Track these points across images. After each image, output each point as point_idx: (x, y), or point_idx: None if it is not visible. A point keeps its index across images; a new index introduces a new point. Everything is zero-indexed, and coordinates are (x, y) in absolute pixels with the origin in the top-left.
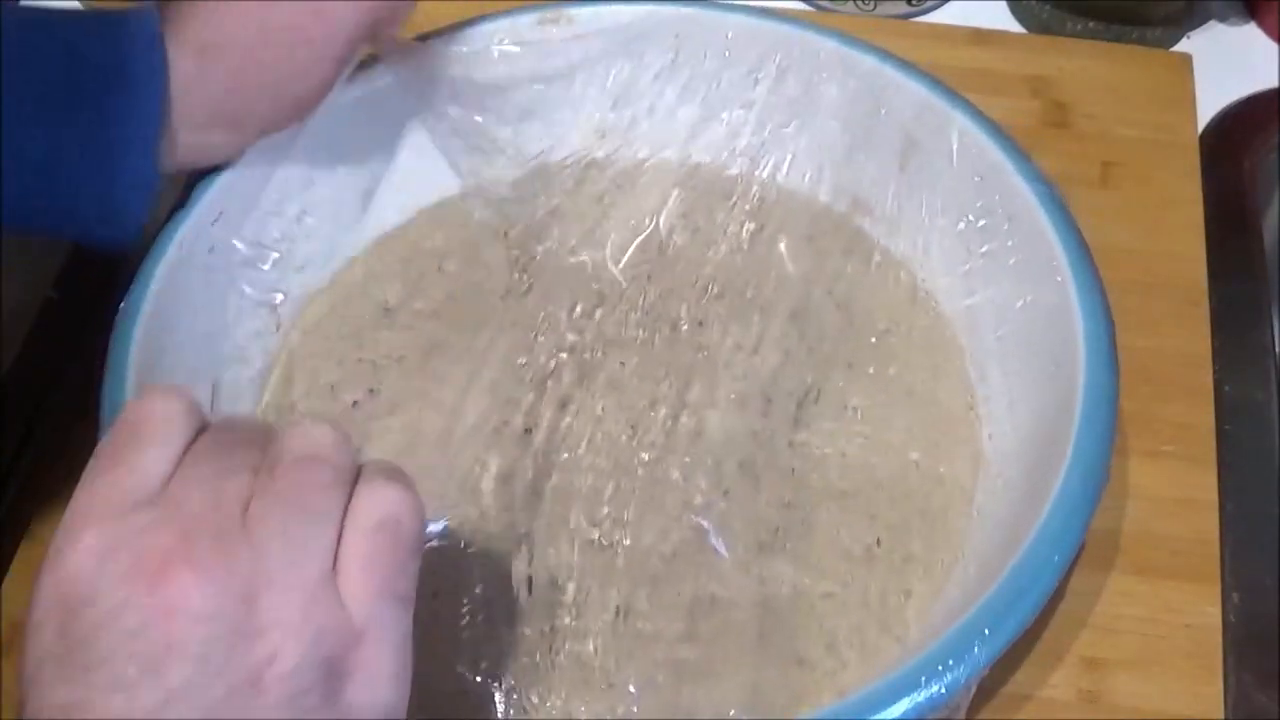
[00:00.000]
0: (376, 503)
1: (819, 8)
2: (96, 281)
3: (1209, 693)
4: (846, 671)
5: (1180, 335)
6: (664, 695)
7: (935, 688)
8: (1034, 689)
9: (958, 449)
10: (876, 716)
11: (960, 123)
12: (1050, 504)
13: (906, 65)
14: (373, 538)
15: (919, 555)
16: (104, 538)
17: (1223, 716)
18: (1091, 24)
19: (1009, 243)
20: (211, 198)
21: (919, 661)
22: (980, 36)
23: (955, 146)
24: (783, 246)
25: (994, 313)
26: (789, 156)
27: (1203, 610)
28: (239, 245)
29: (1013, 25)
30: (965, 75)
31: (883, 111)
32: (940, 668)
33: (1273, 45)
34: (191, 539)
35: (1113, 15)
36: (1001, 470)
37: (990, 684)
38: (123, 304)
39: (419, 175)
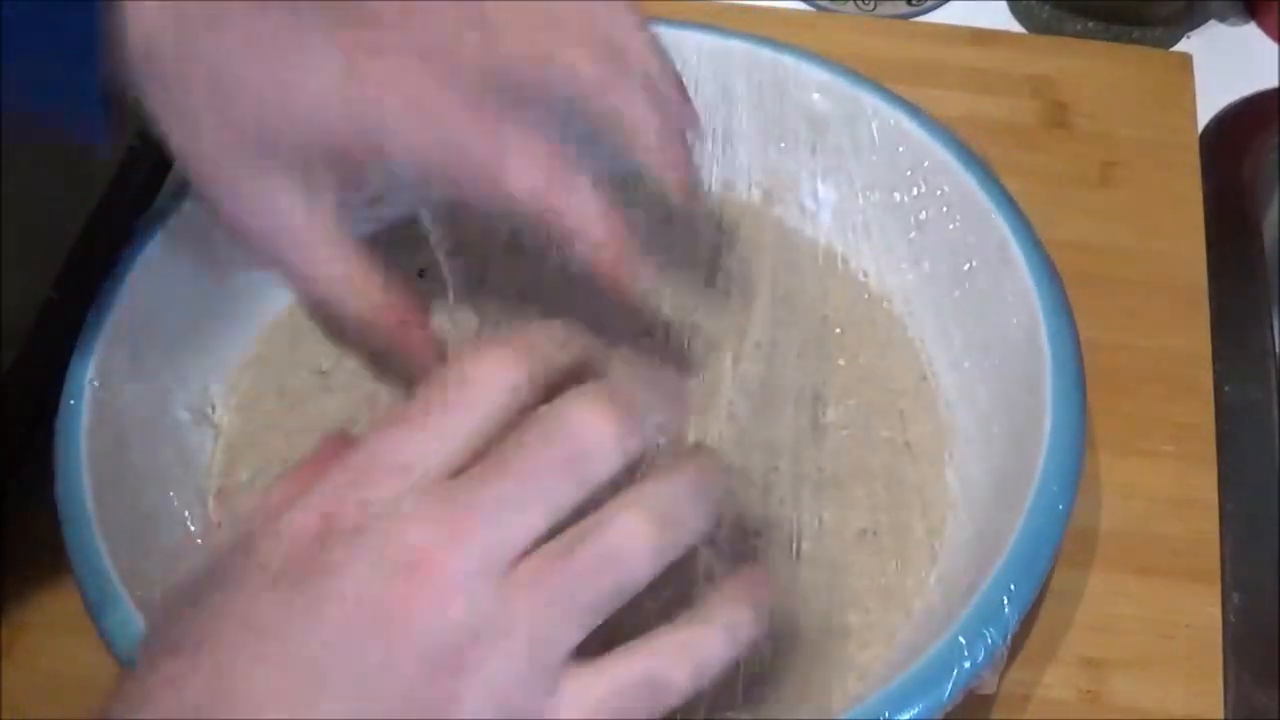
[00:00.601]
0: (668, 662)
1: (819, 8)
2: (96, 281)
3: (1209, 692)
4: (864, 652)
5: (1180, 335)
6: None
7: (978, 654)
8: (1034, 689)
9: (921, 420)
10: (931, 691)
11: (872, 103)
12: (1044, 453)
13: (806, 54)
14: (635, 686)
15: (907, 529)
16: (383, 491)
17: (1223, 716)
18: (1091, 24)
19: (944, 208)
20: (122, 302)
21: (955, 631)
22: (980, 36)
23: (872, 126)
24: (723, 256)
25: (945, 278)
26: (713, 163)
27: (1203, 610)
28: (160, 340)
29: (1013, 25)
30: (965, 75)
31: (791, 103)
32: (976, 633)
33: (1273, 45)
34: (448, 556)
35: (1113, 15)
36: (969, 433)
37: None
38: (61, 459)
39: None
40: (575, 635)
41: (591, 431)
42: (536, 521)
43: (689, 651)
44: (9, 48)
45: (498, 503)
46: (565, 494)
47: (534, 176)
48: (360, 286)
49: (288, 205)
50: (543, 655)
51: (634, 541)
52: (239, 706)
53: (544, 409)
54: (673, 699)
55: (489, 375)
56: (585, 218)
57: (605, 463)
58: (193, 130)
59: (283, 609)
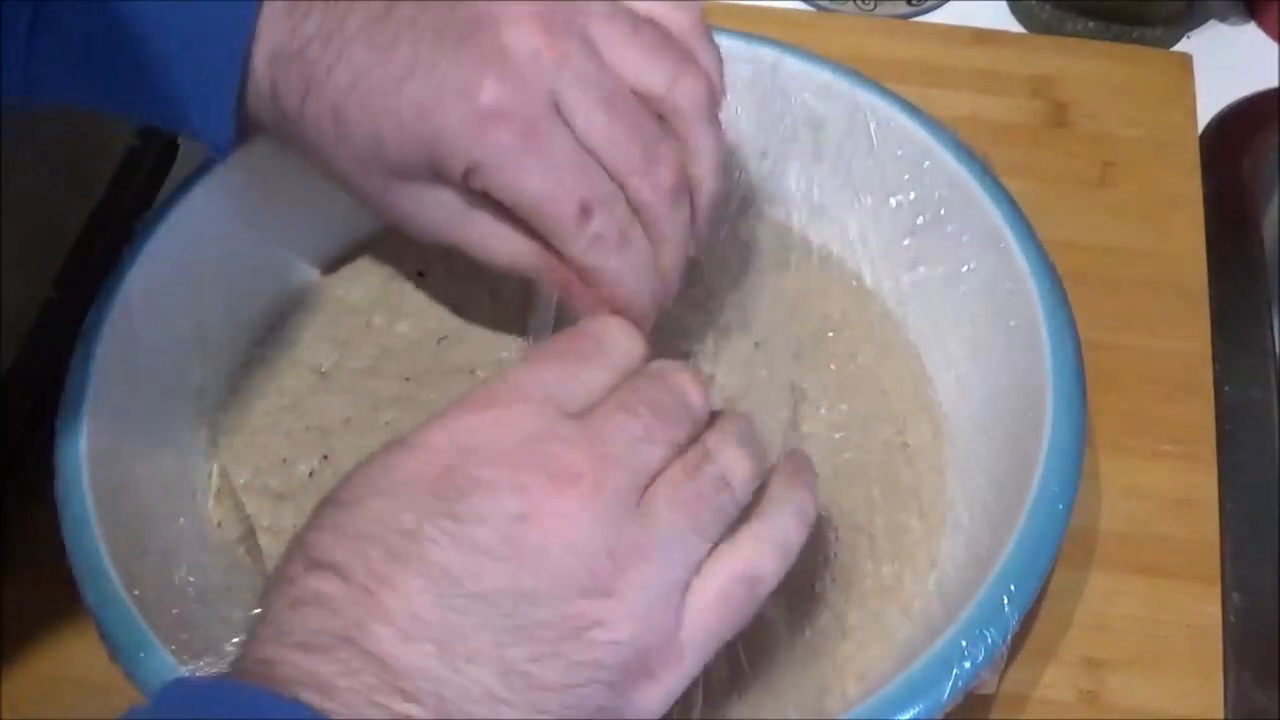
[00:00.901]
0: (757, 554)
1: (819, 8)
2: (96, 281)
3: (1209, 692)
4: (865, 653)
5: (1180, 335)
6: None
7: (978, 654)
8: (1034, 689)
9: (920, 420)
10: (931, 692)
11: (871, 103)
12: (1044, 453)
13: (806, 54)
14: (735, 584)
15: (907, 529)
16: (532, 418)
17: (1223, 716)
18: (1091, 24)
19: (942, 210)
20: (122, 302)
21: (955, 632)
22: (980, 36)
23: (871, 127)
24: (717, 255)
25: (944, 278)
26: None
27: (1203, 610)
28: (160, 340)
29: (1013, 25)
30: (965, 75)
31: (790, 103)
32: (976, 633)
33: (1273, 45)
34: (601, 478)
35: (1113, 15)
36: (969, 433)
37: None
38: (59, 453)
39: (322, 228)
40: (701, 554)
41: (690, 388)
42: (664, 455)
43: (772, 541)
44: (154, 62)
45: (636, 437)
46: (681, 434)
47: (605, 240)
48: (524, 255)
49: (425, 209)
50: (676, 575)
51: (738, 470)
52: (388, 631)
53: (648, 368)
54: (768, 589)
55: (622, 341)
56: (620, 289)
57: (702, 413)
58: (323, 154)
59: (433, 527)
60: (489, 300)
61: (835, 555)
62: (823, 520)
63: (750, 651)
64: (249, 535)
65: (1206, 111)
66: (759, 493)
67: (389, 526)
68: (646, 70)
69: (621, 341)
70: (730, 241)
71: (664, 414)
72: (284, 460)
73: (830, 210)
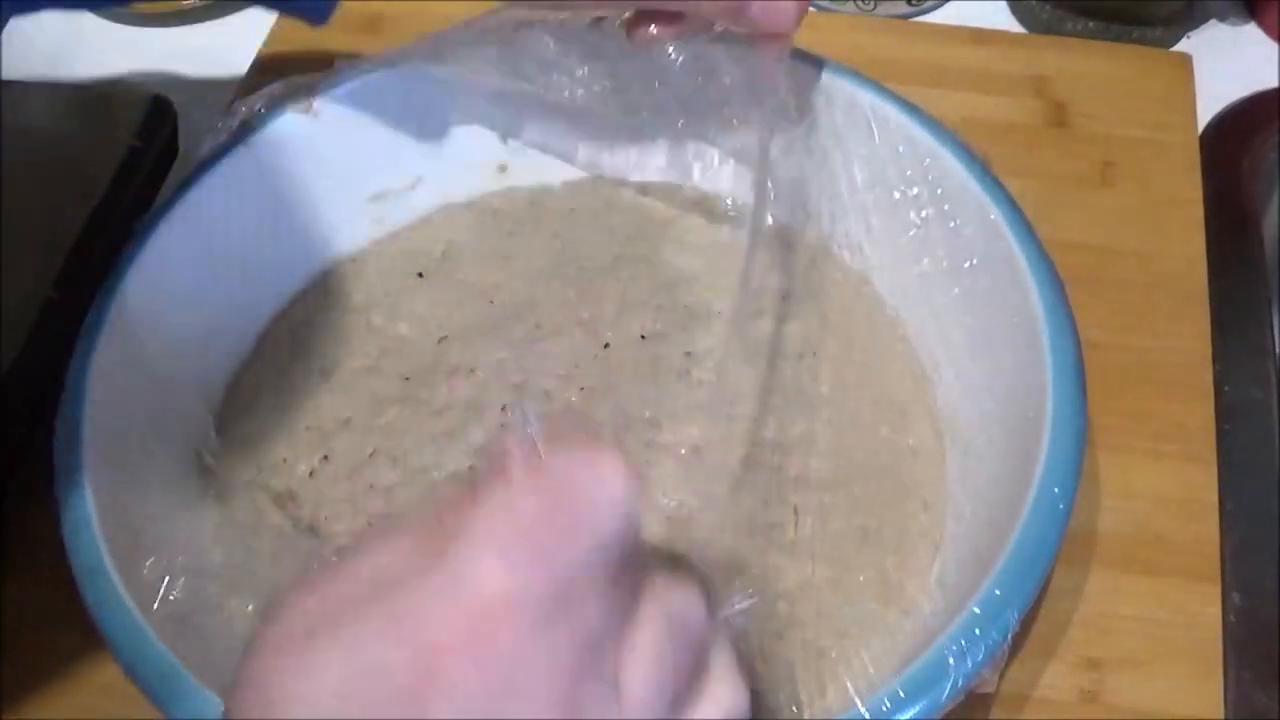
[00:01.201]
0: (666, 596)
1: (819, 8)
2: (96, 281)
3: (1209, 692)
4: (865, 651)
5: (1180, 335)
6: None
7: (978, 654)
8: (1033, 689)
9: (921, 419)
10: (931, 691)
11: (871, 103)
12: (1044, 453)
13: (807, 54)
14: (664, 638)
15: (907, 528)
16: (513, 642)
17: (1223, 716)
18: (1091, 24)
19: (944, 207)
20: (122, 302)
21: (955, 632)
22: (980, 36)
23: (871, 127)
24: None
25: (945, 277)
26: (712, 162)
27: (1203, 610)
28: (160, 340)
29: (1013, 25)
30: (965, 75)
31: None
32: (976, 633)
33: (1273, 45)
34: (578, 699)
35: (1113, 15)
36: (970, 433)
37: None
38: (59, 437)
39: (323, 228)
40: (609, 617)
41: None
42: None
43: (681, 583)
44: None
45: (612, 620)
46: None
47: None
48: None
49: None
50: (600, 662)
51: (602, 492)
52: None
53: None
54: (703, 622)
55: (609, 503)
56: None
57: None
58: None
59: None
60: (488, 301)
61: (835, 553)
62: (823, 518)
63: (750, 650)
64: (249, 534)
65: (1206, 111)
66: None
67: None
68: None
69: (609, 521)
70: (730, 242)
71: (615, 580)
72: (284, 460)
73: (830, 209)
